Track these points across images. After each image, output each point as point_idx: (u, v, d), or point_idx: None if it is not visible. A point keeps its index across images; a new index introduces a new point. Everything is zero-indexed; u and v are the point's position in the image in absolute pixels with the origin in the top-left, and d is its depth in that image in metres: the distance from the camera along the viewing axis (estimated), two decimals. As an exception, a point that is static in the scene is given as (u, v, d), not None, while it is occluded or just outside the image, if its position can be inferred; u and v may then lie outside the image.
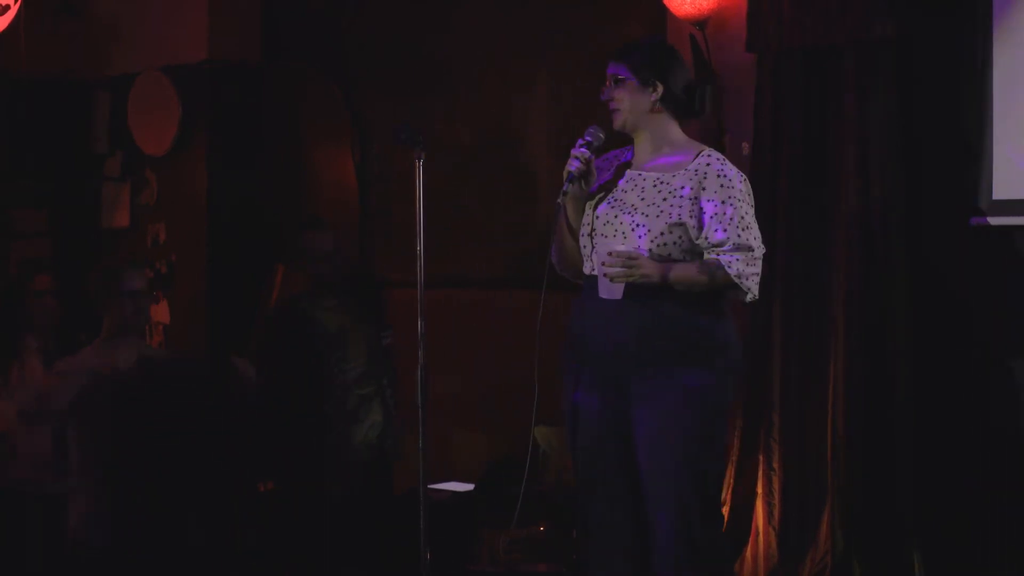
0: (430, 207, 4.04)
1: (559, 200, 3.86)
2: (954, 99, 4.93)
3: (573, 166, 3.83)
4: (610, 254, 3.71)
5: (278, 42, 7.04)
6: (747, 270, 3.75)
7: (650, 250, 3.76)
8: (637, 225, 3.79)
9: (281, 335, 5.27)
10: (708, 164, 3.82)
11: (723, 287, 3.78)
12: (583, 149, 3.85)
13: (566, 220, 3.93)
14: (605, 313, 3.79)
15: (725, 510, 5.16)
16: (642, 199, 3.82)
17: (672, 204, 3.78)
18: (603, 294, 3.78)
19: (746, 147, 5.23)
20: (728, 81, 5.27)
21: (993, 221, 4.83)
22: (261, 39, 7.06)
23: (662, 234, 3.77)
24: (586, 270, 3.91)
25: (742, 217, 3.77)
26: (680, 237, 3.77)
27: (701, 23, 5.24)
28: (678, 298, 3.75)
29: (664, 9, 5.31)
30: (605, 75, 3.93)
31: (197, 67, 6.91)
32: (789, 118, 5.12)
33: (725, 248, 3.74)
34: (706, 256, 3.77)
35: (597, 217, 3.87)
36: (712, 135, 5.18)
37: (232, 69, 6.97)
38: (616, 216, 3.83)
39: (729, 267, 3.73)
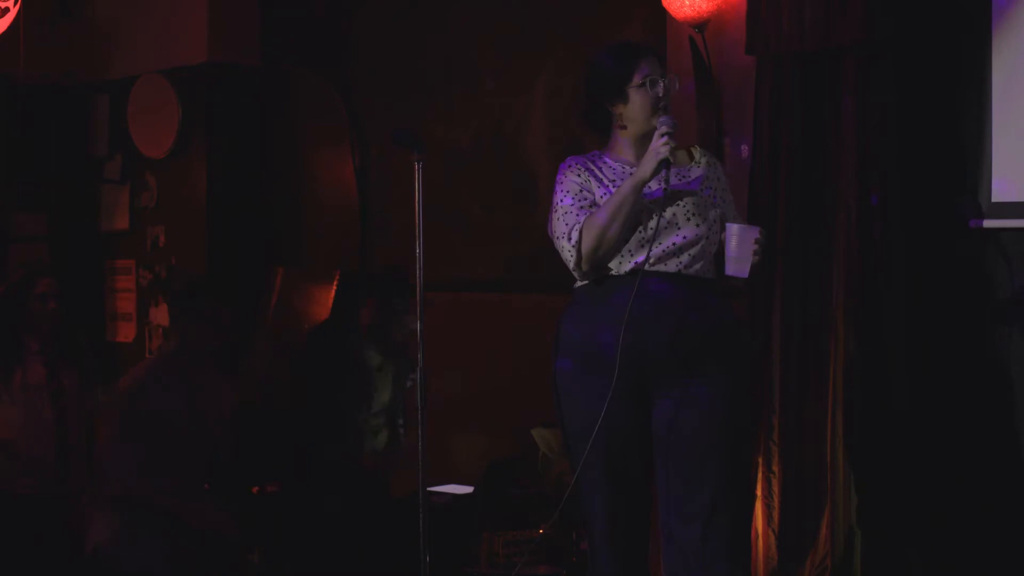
0: (429, 209, 4.04)
1: (666, 189, 3.73)
2: (953, 101, 4.92)
3: (669, 154, 3.76)
4: (756, 240, 3.74)
5: (277, 45, 7.04)
6: None
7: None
8: (692, 215, 3.85)
9: (323, 360, 5.29)
10: (709, 157, 3.99)
11: None
12: (668, 138, 3.79)
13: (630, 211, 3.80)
14: (635, 315, 3.72)
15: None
16: (682, 191, 3.86)
17: (706, 193, 3.89)
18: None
19: (745, 150, 5.22)
20: (727, 83, 5.26)
21: (993, 223, 4.82)
22: (260, 42, 7.06)
23: (707, 219, 3.86)
24: (622, 268, 3.81)
25: None
26: (716, 223, 3.88)
27: (700, 25, 5.23)
28: (707, 298, 3.81)
29: (663, 12, 5.31)
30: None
31: (196, 70, 6.91)
32: (789, 120, 5.11)
33: None
34: None
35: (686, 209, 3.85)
36: (712, 138, 5.18)
37: (231, 72, 6.97)
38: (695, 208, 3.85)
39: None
